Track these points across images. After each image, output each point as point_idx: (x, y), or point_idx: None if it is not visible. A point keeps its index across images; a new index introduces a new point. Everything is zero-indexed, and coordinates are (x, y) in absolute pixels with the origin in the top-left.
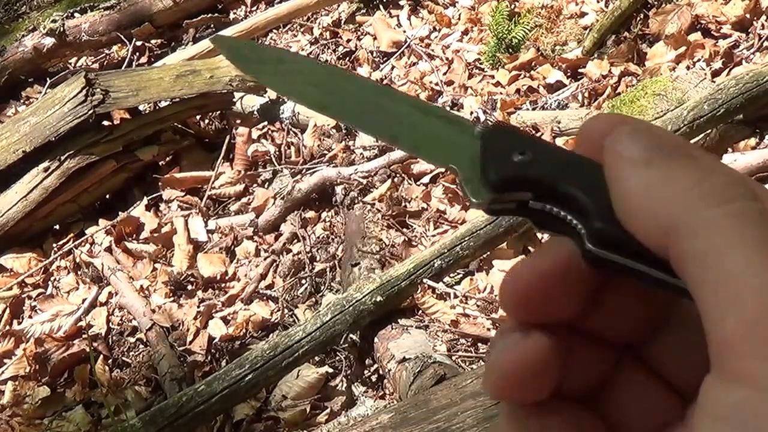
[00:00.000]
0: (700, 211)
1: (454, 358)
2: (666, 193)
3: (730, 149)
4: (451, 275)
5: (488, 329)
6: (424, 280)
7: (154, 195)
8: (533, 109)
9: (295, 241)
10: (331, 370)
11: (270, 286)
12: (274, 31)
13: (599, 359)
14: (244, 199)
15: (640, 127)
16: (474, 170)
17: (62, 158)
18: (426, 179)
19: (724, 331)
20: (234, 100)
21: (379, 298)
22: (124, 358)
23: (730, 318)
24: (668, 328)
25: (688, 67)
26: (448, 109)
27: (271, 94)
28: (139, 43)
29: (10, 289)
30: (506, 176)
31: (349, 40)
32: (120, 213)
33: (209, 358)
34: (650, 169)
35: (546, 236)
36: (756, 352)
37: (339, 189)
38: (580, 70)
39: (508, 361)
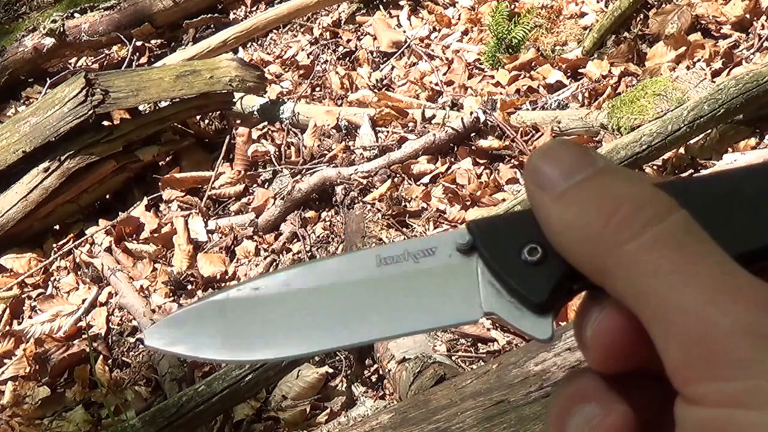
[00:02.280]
0: (617, 249)
1: (454, 358)
2: (584, 234)
3: (730, 149)
4: None
5: (488, 329)
6: None
7: (154, 195)
8: (533, 109)
9: (295, 240)
10: (331, 370)
11: None
12: (274, 31)
13: (651, 400)
14: (244, 199)
15: (548, 151)
16: (506, 302)
17: (62, 158)
18: (426, 179)
19: (671, 361)
20: (234, 100)
21: None
22: (124, 358)
23: (671, 347)
24: None
25: (688, 67)
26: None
27: (271, 94)
28: (139, 43)
29: (10, 289)
30: (547, 293)
31: (349, 40)
32: (120, 213)
33: None
34: (562, 206)
35: None
36: (700, 375)
37: (339, 189)
38: (580, 71)
39: None
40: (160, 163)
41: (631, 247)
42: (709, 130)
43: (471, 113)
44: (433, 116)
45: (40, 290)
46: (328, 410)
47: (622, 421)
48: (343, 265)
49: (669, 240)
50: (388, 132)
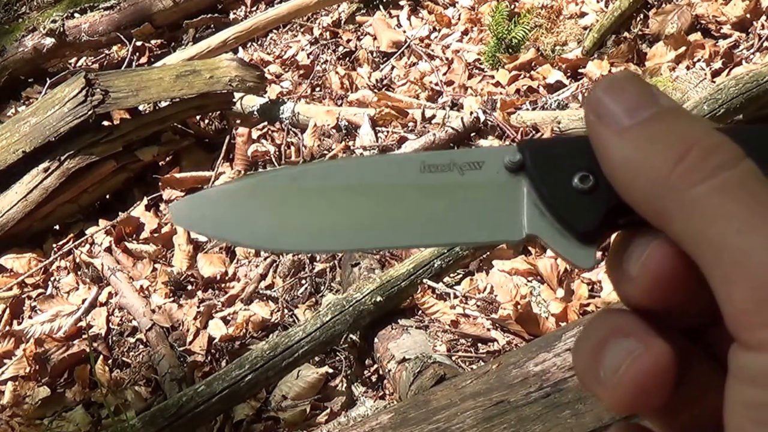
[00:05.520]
0: (684, 191)
1: (454, 358)
2: (647, 171)
3: None
4: (451, 275)
5: (488, 329)
6: (424, 281)
7: (154, 195)
8: (533, 109)
9: None
10: (331, 370)
11: (270, 287)
12: (274, 31)
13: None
14: None
15: (614, 84)
16: (550, 226)
17: (62, 158)
18: None
19: (733, 306)
20: (234, 100)
21: (379, 299)
22: (124, 359)
23: (734, 293)
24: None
25: (688, 67)
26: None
27: (271, 94)
28: (139, 43)
29: (10, 289)
30: (596, 223)
31: (349, 41)
32: (120, 213)
33: (209, 358)
34: (626, 140)
35: None
36: (762, 320)
37: None
38: (580, 71)
39: (637, 375)
40: (160, 163)
41: (701, 190)
42: None
43: (471, 113)
44: (433, 116)
45: (40, 290)
46: (328, 410)
47: (663, 358)
48: (386, 166)
49: (740, 185)
50: (388, 132)
